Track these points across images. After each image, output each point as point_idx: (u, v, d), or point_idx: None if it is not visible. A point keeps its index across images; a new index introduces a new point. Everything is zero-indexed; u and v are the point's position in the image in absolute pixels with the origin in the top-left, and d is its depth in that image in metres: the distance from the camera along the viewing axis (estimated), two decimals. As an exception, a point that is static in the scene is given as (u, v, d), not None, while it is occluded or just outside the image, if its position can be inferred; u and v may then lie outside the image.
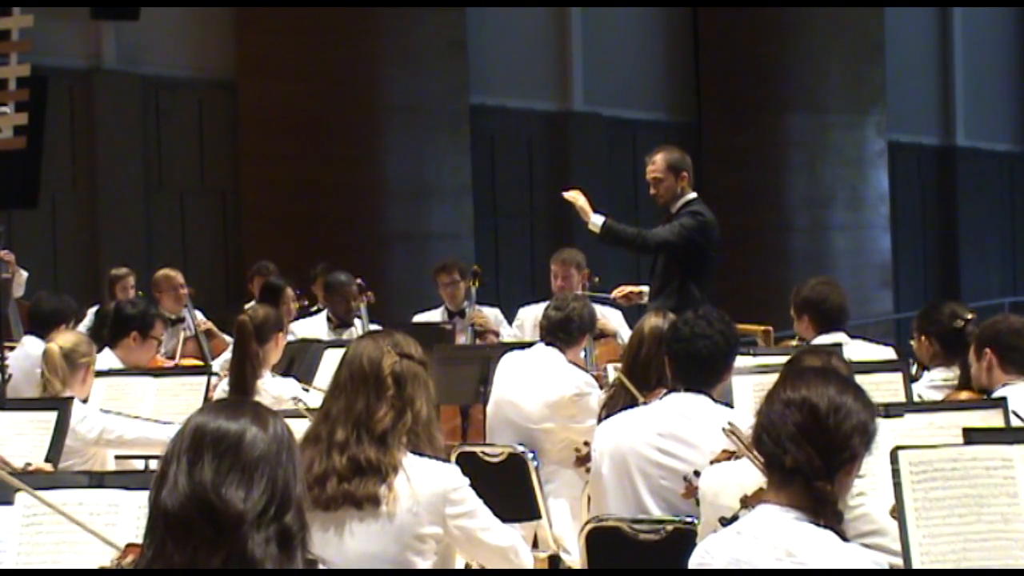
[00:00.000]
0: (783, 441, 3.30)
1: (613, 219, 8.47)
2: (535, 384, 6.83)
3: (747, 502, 3.40)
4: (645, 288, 8.59)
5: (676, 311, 7.62)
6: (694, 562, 3.43)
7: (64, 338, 6.27)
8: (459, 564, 4.42)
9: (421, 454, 4.11)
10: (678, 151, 8.55)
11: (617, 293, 8.65)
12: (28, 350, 8.22)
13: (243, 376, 6.63)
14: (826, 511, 3.29)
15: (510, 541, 4.20)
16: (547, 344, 6.96)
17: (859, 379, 5.56)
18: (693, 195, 8.42)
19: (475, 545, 4.15)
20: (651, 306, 8.21)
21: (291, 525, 2.86)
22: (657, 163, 8.41)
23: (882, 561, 3.29)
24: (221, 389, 7.03)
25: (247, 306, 10.11)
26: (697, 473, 4.54)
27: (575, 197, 8.36)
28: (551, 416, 6.74)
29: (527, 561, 4.27)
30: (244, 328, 6.71)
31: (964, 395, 5.77)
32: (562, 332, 6.92)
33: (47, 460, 5.48)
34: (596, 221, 8.32)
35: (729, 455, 4.49)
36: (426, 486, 4.04)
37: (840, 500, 3.34)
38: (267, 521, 2.83)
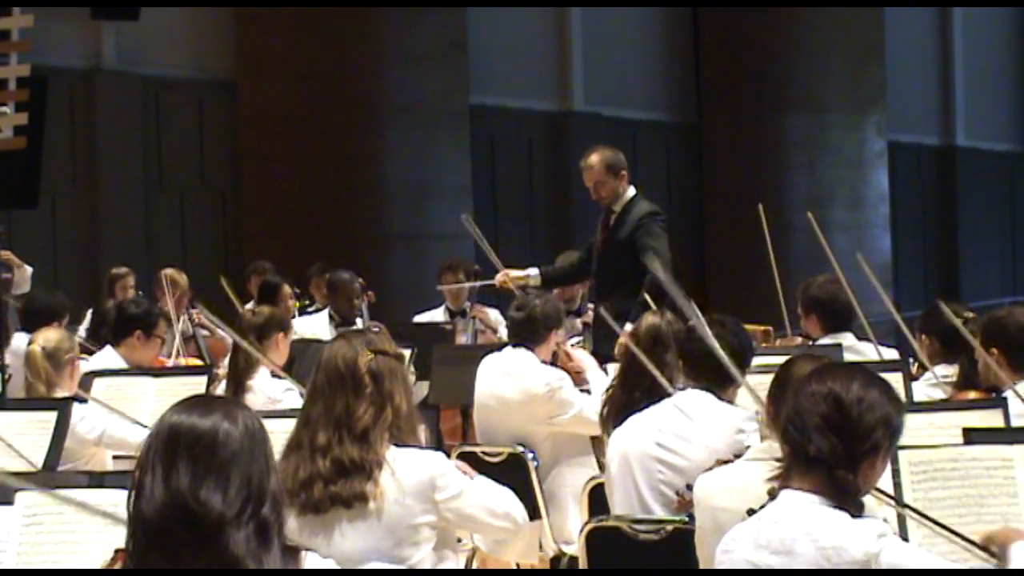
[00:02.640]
0: (808, 431, 3.41)
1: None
2: (507, 389, 6.79)
3: (774, 494, 3.46)
4: (533, 271, 8.61)
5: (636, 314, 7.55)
6: (719, 551, 3.52)
7: (46, 338, 6.22)
8: (459, 564, 4.42)
9: (405, 446, 4.12)
10: (611, 150, 8.50)
11: (500, 276, 8.69)
12: (18, 345, 8.22)
13: (236, 368, 6.67)
14: (847, 501, 3.39)
15: (504, 507, 4.26)
16: (515, 346, 6.92)
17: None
18: (632, 191, 8.38)
19: (472, 522, 4.21)
20: (607, 307, 8.21)
21: (267, 516, 2.90)
22: (595, 167, 8.37)
23: (887, 531, 3.36)
24: (221, 390, 7.02)
25: (247, 306, 10.12)
26: (689, 487, 4.56)
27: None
28: (529, 417, 6.70)
29: (522, 518, 4.32)
30: (242, 321, 6.79)
31: (972, 394, 5.71)
32: (526, 331, 6.86)
33: (47, 461, 5.47)
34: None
35: (722, 464, 4.51)
36: (411, 475, 4.06)
37: (863, 492, 3.44)
38: (246, 518, 2.86)
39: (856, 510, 3.39)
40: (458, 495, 4.13)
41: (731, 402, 5.21)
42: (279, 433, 4.28)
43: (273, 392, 6.62)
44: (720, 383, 5.12)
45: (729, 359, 4.80)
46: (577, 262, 8.88)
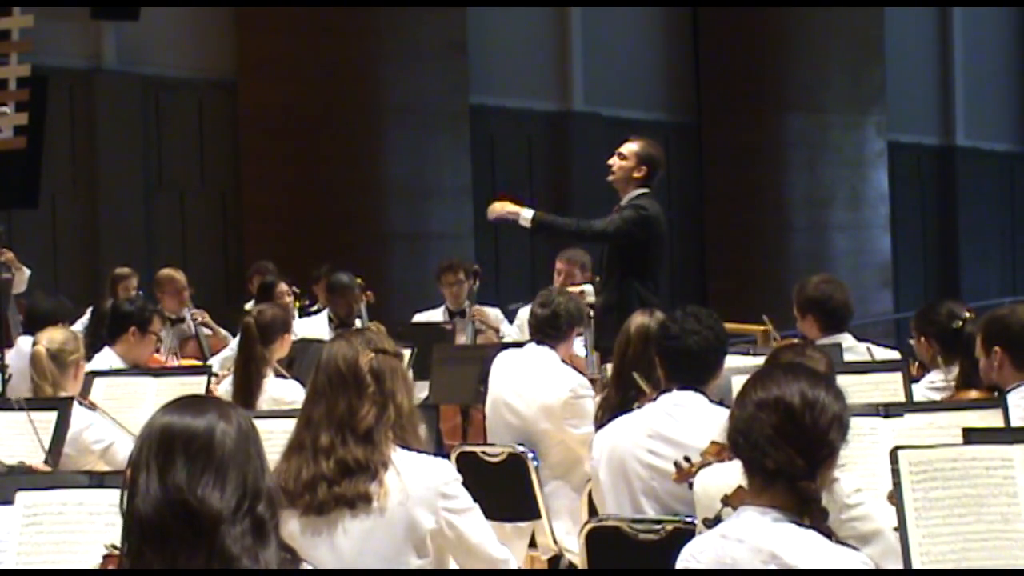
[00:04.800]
0: (761, 444, 3.25)
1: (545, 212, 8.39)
2: (530, 386, 6.77)
3: (728, 501, 3.37)
4: (587, 288, 8.52)
5: (618, 306, 7.51)
6: (680, 564, 3.38)
7: (50, 338, 6.13)
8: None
9: (409, 448, 4.10)
10: (659, 151, 8.41)
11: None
12: (23, 348, 8.21)
13: (248, 378, 6.65)
14: (811, 509, 3.24)
15: (502, 555, 4.15)
16: (538, 343, 6.90)
17: (859, 379, 5.58)
18: (644, 190, 8.31)
19: (463, 548, 4.10)
20: (597, 300, 8.18)
21: (263, 514, 2.90)
22: (634, 143, 8.30)
23: (869, 562, 3.26)
24: (223, 390, 7.02)
25: (247, 306, 10.12)
26: (687, 459, 4.50)
27: (500, 207, 8.29)
28: (547, 418, 6.70)
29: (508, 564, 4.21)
30: (249, 329, 6.72)
31: (974, 394, 5.67)
32: (551, 328, 6.84)
33: (46, 462, 5.45)
34: (526, 215, 8.18)
35: (719, 448, 4.44)
36: (418, 481, 4.03)
37: (823, 496, 3.29)
38: (241, 516, 2.86)
39: (822, 519, 3.24)
40: (461, 511, 4.08)
41: (727, 405, 5.19)
42: (280, 433, 4.29)
43: (279, 392, 6.63)
44: (701, 380, 5.07)
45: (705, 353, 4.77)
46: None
